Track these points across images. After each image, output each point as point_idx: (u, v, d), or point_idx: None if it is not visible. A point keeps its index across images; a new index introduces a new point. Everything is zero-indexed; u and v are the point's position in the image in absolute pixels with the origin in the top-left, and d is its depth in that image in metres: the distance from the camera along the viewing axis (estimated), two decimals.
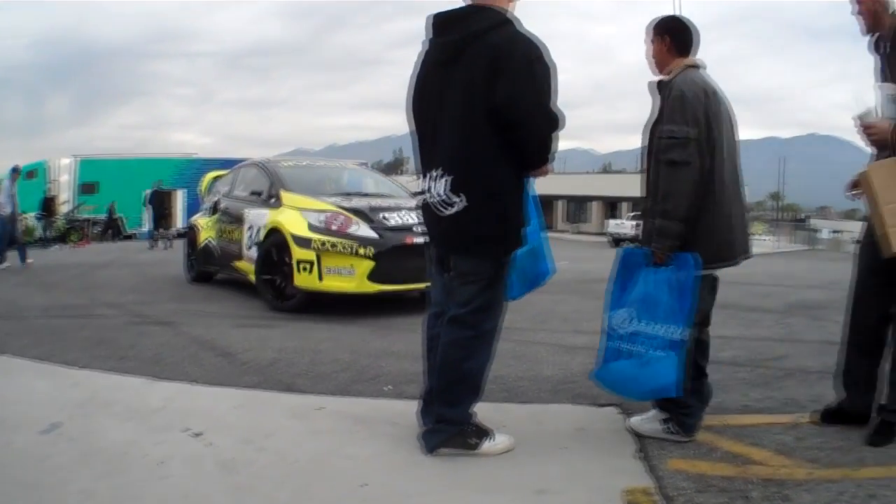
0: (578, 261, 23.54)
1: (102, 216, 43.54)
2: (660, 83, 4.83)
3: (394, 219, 10.60)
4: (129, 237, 41.70)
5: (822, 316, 10.82)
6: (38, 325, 9.14)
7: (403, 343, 7.94)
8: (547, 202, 73.93)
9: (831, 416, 5.14)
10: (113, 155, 51.87)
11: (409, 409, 4.95)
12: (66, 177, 46.19)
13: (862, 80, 5.04)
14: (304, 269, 10.17)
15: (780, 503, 3.87)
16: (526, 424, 5.16)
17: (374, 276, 10.11)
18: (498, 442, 4.57)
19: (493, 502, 3.97)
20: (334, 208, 10.80)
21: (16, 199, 18.39)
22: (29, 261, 18.55)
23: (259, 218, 11.65)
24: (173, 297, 12.25)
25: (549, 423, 5.29)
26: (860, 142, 4.80)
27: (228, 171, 14.95)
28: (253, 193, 12.46)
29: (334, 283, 10.16)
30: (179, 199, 45.04)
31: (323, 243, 10.11)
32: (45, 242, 33.41)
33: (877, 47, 4.88)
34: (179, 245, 22.83)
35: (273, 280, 10.92)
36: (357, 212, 10.75)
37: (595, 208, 77.78)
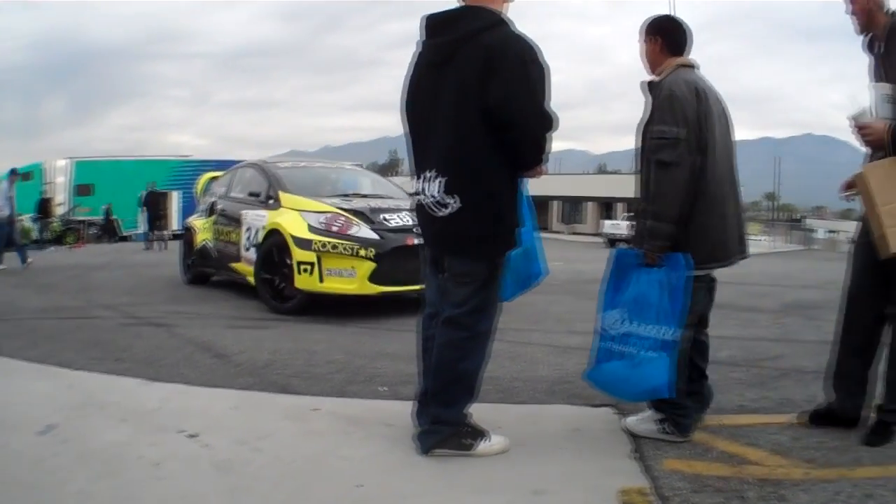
0: (573, 261, 23.58)
1: (98, 218, 43.51)
2: (651, 83, 4.83)
3: (394, 220, 10.58)
4: (125, 239, 41.67)
5: (817, 316, 10.85)
6: (35, 327, 9.12)
7: (398, 344, 7.95)
8: (542, 203, 73.94)
9: (820, 418, 5.13)
10: (109, 156, 51.78)
11: (404, 410, 4.94)
12: (62, 178, 46.10)
13: (857, 80, 5.04)
14: (305, 270, 10.16)
15: (776, 503, 3.87)
16: (521, 425, 5.15)
17: (375, 278, 10.11)
18: (493, 443, 4.57)
19: (489, 503, 3.97)
20: (334, 210, 10.79)
21: (14, 202, 18.41)
22: (29, 260, 18.60)
23: (257, 219, 11.63)
24: (169, 299, 12.25)
25: (544, 423, 5.30)
26: (856, 142, 4.78)
27: (225, 172, 14.93)
28: (251, 195, 12.41)
29: (335, 285, 10.15)
30: (175, 201, 45.00)
31: (324, 245, 10.10)
32: (41, 244, 33.38)
33: (871, 47, 4.87)
34: (174, 246, 22.81)
35: (273, 281, 10.89)
36: (357, 213, 10.74)
37: (590, 209, 77.77)
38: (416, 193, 4.58)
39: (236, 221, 12.40)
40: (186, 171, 44.44)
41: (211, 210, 13.76)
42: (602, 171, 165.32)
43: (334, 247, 10.07)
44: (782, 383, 6.57)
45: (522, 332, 8.90)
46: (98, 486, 3.98)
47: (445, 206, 4.34)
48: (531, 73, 4.24)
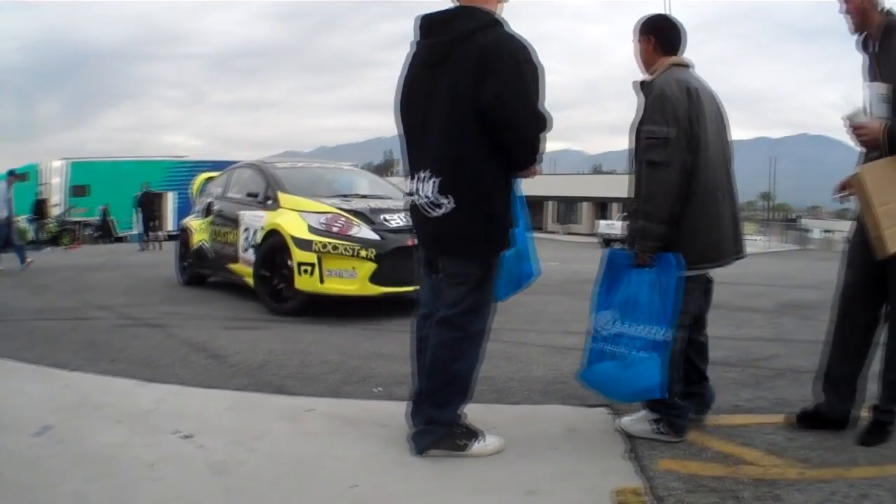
0: (568, 262, 23.59)
1: (94, 218, 43.50)
2: (643, 83, 4.82)
3: (394, 220, 10.54)
4: (121, 239, 41.64)
5: (813, 315, 10.84)
6: (30, 328, 9.13)
7: (393, 345, 7.94)
8: (537, 203, 73.87)
9: (807, 420, 5.11)
10: (104, 157, 51.75)
11: (398, 411, 4.95)
12: (58, 179, 46.08)
13: (852, 79, 5.03)
14: (306, 271, 10.12)
15: (771, 503, 3.88)
16: (516, 425, 5.16)
17: (376, 279, 10.08)
18: (488, 443, 4.57)
19: (484, 503, 3.97)
20: (335, 210, 10.76)
21: (12, 203, 18.42)
22: (29, 260, 18.60)
23: (256, 220, 11.59)
24: (164, 300, 12.24)
25: (539, 423, 5.30)
26: (851, 142, 4.78)
27: (221, 172, 14.89)
28: (249, 195, 12.35)
29: (336, 286, 10.12)
30: (170, 202, 44.98)
31: (324, 245, 10.07)
32: (37, 245, 33.36)
33: (865, 46, 4.86)
34: (168, 247, 22.79)
35: (272, 283, 10.88)
36: (358, 214, 10.71)
37: (585, 209, 77.66)
38: (410, 194, 4.58)
39: (234, 222, 12.34)
40: (182, 172, 44.45)
41: (207, 211, 13.70)
42: (597, 171, 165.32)
43: (335, 247, 10.04)
44: (777, 383, 6.57)
45: (518, 333, 8.90)
46: (93, 486, 3.98)
47: (439, 206, 4.34)
48: (525, 73, 4.25)
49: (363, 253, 10.03)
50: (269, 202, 11.63)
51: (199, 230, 13.78)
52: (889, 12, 4.71)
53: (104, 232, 43.08)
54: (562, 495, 4.02)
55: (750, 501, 3.88)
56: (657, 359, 4.49)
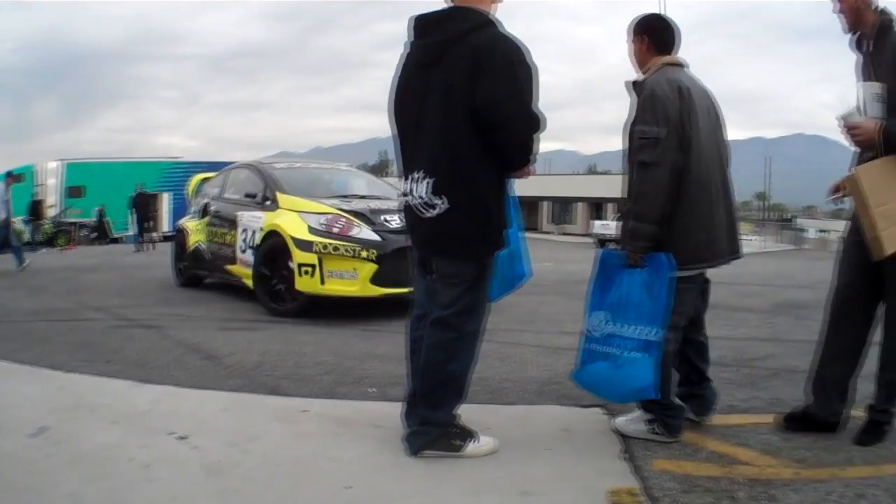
0: (563, 262, 23.57)
1: (90, 220, 43.47)
2: (635, 83, 4.80)
3: (395, 221, 10.44)
4: (116, 240, 41.62)
5: (808, 315, 10.83)
6: (27, 329, 9.12)
7: (387, 345, 7.96)
8: (532, 203, 73.80)
9: (795, 421, 5.09)
10: (99, 158, 51.73)
11: (393, 412, 4.95)
12: (53, 180, 46.05)
13: (848, 79, 5.03)
14: (306, 272, 10.08)
15: (766, 503, 3.88)
16: (510, 426, 5.16)
17: (377, 280, 10.04)
18: (482, 443, 4.57)
19: None
20: (335, 211, 10.72)
21: (10, 205, 18.43)
22: (27, 262, 18.59)
23: (254, 221, 11.54)
24: (159, 301, 12.22)
25: (533, 424, 5.30)
26: (846, 142, 4.78)
27: (217, 173, 14.83)
28: (247, 196, 12.26)
29: (337, 287, 10.08)
30: (165, 203, 44.96)
31: (325, 246, 10.03)
32: (32, 246, 33.34)
33: (858, 45, 4.85)
34: (162, 248, 22.77)
35: (272, 284, 10.84)
36: (358, 214, 10.67)
37: (580, 209, 77.55)
38: (405, 194, 4.59)
39: (231, 223, 12.28)
40: (177, 173, 44.45)
41: (204, 211, 13.62)
42: (592, 171, 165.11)
43: (335, 248, 10.00)
44: (772, 383, 6.58)
45: (512, 333, 8.91)
46: (89, 488, 3.98)
47: (433, 206, 4.35)
48: (518, 73, 4.25)
49: (364, 254, 10.00)
50: (268, 203, 11.58)
51: (196, 231, 13.70)
52: (883, 11, 4.71)
53: (100, 233, 43.05)
54: (557, 496, 4.02)
55: (745, 502, 3.88)
56: (649, 359, 4.49)
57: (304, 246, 10.15)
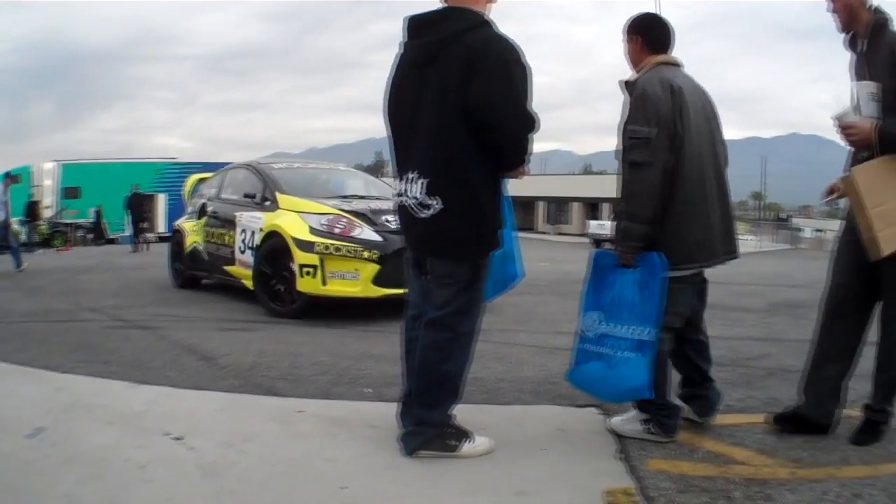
0: (559, 262, 23.59)
1: (86, 220, 43.48)
2: (628, 82, 4.80)
3: (396, 222, 10.43)
4: (112, 241, 41.61)
5: (804, 315, 10.83)
6: (23, 330, 9.12)
7: (383, 346, 7.94)
8: (528, 203, 73.85)
9: (785, 421, 5.08)
10: (95, 159, 51.71)
11: (388, 412, 4.95)
12: (50, 181, 46.06)
13: (844, 79, 5.02)
14: (308, 273, 10.03)
15: (762, 503, 3.88)
16: (506, 426, 5.16)
17: (378, 280, 9.99)
18: (478, 444, 4.57)
19: None
20: (336, 211, 10.68)
21: (9, 206, 18.44)
22: (25, 265, 18.60)
23: (253, 221, 11.49)
24: (155, 301, 12.22)
25: (529, 424, 5.30)
26: (842, 141, 4.77)
27: (214, 173, 14.81)
28: (245, 196, 12.18)
29: (338, 288, 10.04)
30: (161, 203, 44.96)
31: (326, 247, 9.98)
32: (28, 247, 33.35)
33: (853, 44, 4.85)
34: (156, 248, 22.74)
35: (273, 285, 10.81)
36: (359, 215, 10.63)
37: (576, 209, 77.57)
38: (399, 195, 4.59)
39: (230, 223, 12.22)
40: (173, 174, 44.49)
41: (201, 212, 13.54)
42: (588, 171, 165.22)
43: (337, 249, 9.96)
44: (768, 383, 6.59)
45: (508, 333, 8.92)
46: (85, 488, 3.98)
47: (427, 207, 4.35)
48: (513, 73, 4.25)
49: (366, 254, 9.96)
50: (267, 203, 11.52)
51: (193, 232, 13.65)
52: (877, 10, 4.70)
53: (96, 234, 43.05)
54: (552, 496, 4.02)
55: (741, 501, 3.89)
56: (643, 359, 4.49)
57: (306, 247, 10.10)
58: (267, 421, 5.23)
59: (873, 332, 4.92)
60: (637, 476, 4.22)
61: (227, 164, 15.28)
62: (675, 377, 5.04)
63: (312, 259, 10.00)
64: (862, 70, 4.76)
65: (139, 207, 33.23)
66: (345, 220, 10.44)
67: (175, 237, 14.67)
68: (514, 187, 4.82)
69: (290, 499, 3.96)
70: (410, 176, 4.43)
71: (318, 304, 10.29)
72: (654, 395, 4.59)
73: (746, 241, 55.13)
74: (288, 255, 10.34)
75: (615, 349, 4.57)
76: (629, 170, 4.56)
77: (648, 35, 4.85)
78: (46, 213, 43.41)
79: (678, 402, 5.00)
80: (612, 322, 4.61)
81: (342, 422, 5.21)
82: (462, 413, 4.75)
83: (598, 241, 46.02)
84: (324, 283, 10.00)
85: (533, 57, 4.36)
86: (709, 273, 5.01)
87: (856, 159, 4.74)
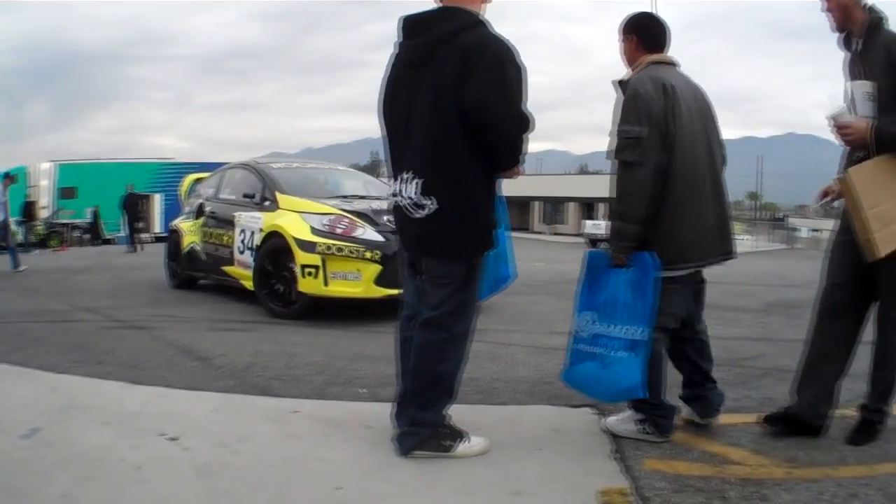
0: (555, 262, 23.61)
1: (82, 221, 43.45)
2: (621, 81, 4.79)
3: None
4: (108, 241, 41.58)
5: (800, 315, 10.80)
6: (19, 330, 9.11)
7: (378, 346, 7.95)
8: (523, 203, 73.84)
9: (776, 421, 5.05)
10: (92, 159, 51.66)
11: (383, 412, 4.95)
12: (46, 181, 46.00)
13: (840, 79, 5.02)
14: (309, 273, 9.98)
15: (758, 503, 3.88)
16: (501, 426, 5.16)
17: (381, 281, 9.94)
18: (473, 444, 4.57)
19: None
20: (337, 211, 10.64)
21: (8, 206, 18.43)
22: (23, 267, 18.60)
23: (253, 221, 11.42)
24: (150, 302, 12.21)
25: (524, 424, 5.30)
26: (837, 141, 4.76)
27: (212, 173, 14.75)
28: (245, 196, 12.10)
29: (340, 288, 10.00)
30: (157, 203, 44.93)
31: (328, 247, 9.94)
32: (25, 247, 33.36)
33: (847, 44, 4.84)
34: (151, 249, 22.72)
35: (274, 286, 10.77)
36: (361, 215, 10.59)
37: (572, 209, 77.57)
38: (394, 195, 4.58)
39: (229, 223, 12.15)
40: (169, 174, 44.44)
41: (199, 212, 13.47)
42: (584, 171, 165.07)
43: (339, 249, 9.92)
44: (764, 382, 6.60)
45: (503, 333, 8.93)
46: (80, 489, 3.98)
47: (422, 207, 4.35)
48: (508, 73, 4.24)
49: (368, 255, 9.93)
50: (267, 203, 11.46)
51: (190, 232, 13.57)
52: (872, 9, 4.69)
53: (93, 234, 43.02)
54: (547, 496, 4.02)
55: (737, 501, 3.89)
56: (636, 359, 4.49)
57: (307, 247, 10.05)
58: (262, 421, 5.22)
59: (869, 331, 4.92)
60: (632, 476, 4.22)
61: (224, 164, 15.25)
62: (672, 377, 5.04)
63: (314, 259, 9.96)
64: (856, 69, 4.75)
65: (135, 207, 33.20)
66: (346, 220, 10.39)
67: (172, 237, 14.61)
68: (510, 187, 4.82)
69: (284, 499, 3.96)
70: (405, 176, 4.42)
71: (317, 305, 10.27)
72: (649, 394, 4.59)
73: (742, 240, 55.14)
74: (289, 256, 10.29)
75: (609, 349, 4.56)
76: (621, 170, 4.55)
77: (644, 34, 4.84)
78: (43, 214, 43.35)
79: (673, 402, 5.00)
80: (605, 322, 4.60)
81: (337, 422, 5.20)
82: (457, 413, 4.75)
83: (594, 241, 46.04)
84: (326, 283, 9.96)
85: (528, 57, 4.36)
86: (704, 273, 5.00)
87: (850, 159, 4.74)
